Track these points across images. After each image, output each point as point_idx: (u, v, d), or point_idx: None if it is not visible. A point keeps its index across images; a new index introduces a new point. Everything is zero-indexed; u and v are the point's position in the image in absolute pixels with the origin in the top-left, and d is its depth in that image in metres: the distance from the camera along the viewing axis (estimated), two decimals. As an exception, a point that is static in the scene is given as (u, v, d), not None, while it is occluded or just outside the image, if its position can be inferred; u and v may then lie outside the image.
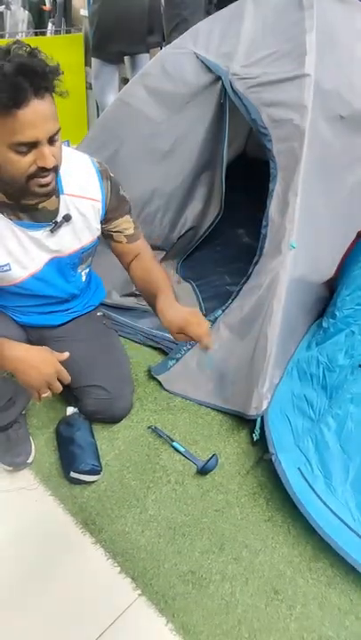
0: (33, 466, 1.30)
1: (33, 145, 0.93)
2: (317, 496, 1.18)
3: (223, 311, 1.54)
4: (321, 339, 1.44)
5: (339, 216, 1.59)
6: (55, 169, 1.00)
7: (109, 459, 1.32)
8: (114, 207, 1.23)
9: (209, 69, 1.60)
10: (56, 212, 1.13)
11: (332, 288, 1.58)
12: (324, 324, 1.47)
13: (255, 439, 1.31)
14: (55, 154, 0.97)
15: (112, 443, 1.37)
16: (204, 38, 1.65)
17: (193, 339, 1.14)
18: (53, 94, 0.94)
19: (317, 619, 1.04)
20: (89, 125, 3.21)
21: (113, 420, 1.41)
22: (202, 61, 1.61)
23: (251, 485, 1.28)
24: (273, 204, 1.45)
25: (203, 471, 1.29)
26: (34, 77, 0.88)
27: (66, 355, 1.08)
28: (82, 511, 1.20)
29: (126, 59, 2.62)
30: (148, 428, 1.41)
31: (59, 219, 1.13)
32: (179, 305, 1.20)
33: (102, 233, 1.27)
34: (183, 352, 1.54)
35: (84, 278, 1.32)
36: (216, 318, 1.55)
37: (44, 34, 3.07)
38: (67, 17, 3.08)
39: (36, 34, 3.08)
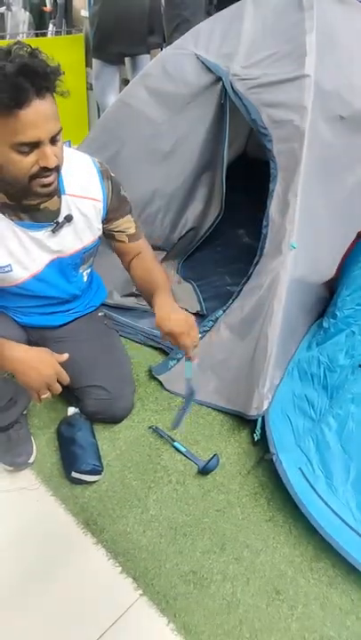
0: (34, 466, 1.30)
1: (35, 145, 0.93)
2: (318, 496, 1.18)
3: (224, 311, 1.55)
4: (321, 339, 1.44)
5: (339, 216, 1.59)
6: (57, 169, 1.00)
7: (110, 459, 1.33)
8: (115, 207, 1.23)
9: (209, 70, 1.60)
10: (57, 212, 1.13)
11: (332, 288, 1.58)
12: (325, 325, 1.47)
13: (256, 439, 1.31)
14: (57, 154, 0.97)
15: (113, 443, 1.37)
16: (204, 39, 1.65)
17: (179, 347, 1.14)
18: (54, 94, 0.94)
19: (319, 619, 1.04)
20: (90, 126, 3.22)
21: (114, 420, 1.41)
22: (202, 62, 1.61)
23: (252, 485, 1.28)
24: (273, 205, 1.46)
25: (204, 471, 1.29)
26: (35, 78, 0.88)
27: (65, 356, 1.08)
28: (83, 511, 1.20)
29: (127, 59, 2.63)
30: (150, 428, 1.41)
31: (60, 219, 1.13)
32: (176, 306, 1.20)
33: (104, 233, 1.27)
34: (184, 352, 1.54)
35: (85, 279, 1.32)
36: (217, 318, 1.55)
37: (44, 35, 3.08)
38: (67, 18, 3.09)
39: (37, 35, 3.09)
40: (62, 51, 2.88)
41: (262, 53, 1.54)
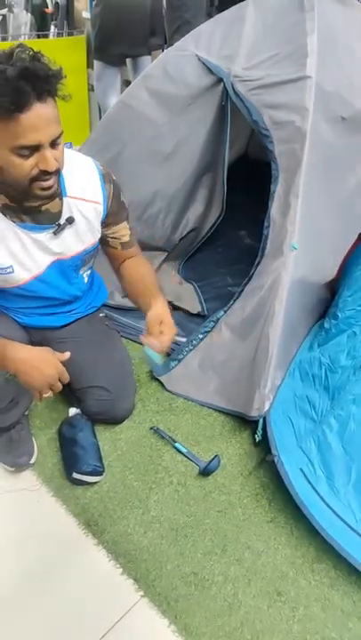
0: (35, 467, 1.30)
1: (35, 148, 0.94)
2: (320, 497, 1.18)
3: (225, 312, 1.55)
4: (323, 340, 1.44)
5: (340, 217, 1.59)
6: (57, 172, 1.00)
7: (112, 459, 1.33)
8: (114, 211, 1.24)
9: (211, 71, 1.60)
10: (59, 214, 1.13)
11: (333, 289, 1.58)
12: (326, 325, 1.47)
13: (257, 440, 1.31)
14: (57, 157, 0.97)
15: (114, 443, 1.37)
16: (205, 40, 1.65)
17: (148, 334, 1.15)
18: (56, 98, 0.95)
19: (320, 620, 1.04)
20: (91, 127, 3.22)
21: (115, 420, 1.41)
22: (203, 63, 1.61)
23: (253, 486, 1.28)
24: (274, 206, 1.46)
25: (205, 472, 1.29)
26: (36, 81, 0.88)
27: (67, 355, 1.09)
28: (84, 512, 1.20)
29: (128, 61, 2.63)
30: (151, 428, 1.41)
31: (62, 221, 1.14)
32: (167, 309, 1.21)
33: None
34: (185, 353, 1.54)
35: (86, 280, 1.33)
36: (218, 319, 1.55)
37: (46, 36, 3.08)
38: (69, 19, 3.09)
39: (39, 36, 3.09)
40: (64, 52, 2.88)
41: (263, 55, 1.54)
